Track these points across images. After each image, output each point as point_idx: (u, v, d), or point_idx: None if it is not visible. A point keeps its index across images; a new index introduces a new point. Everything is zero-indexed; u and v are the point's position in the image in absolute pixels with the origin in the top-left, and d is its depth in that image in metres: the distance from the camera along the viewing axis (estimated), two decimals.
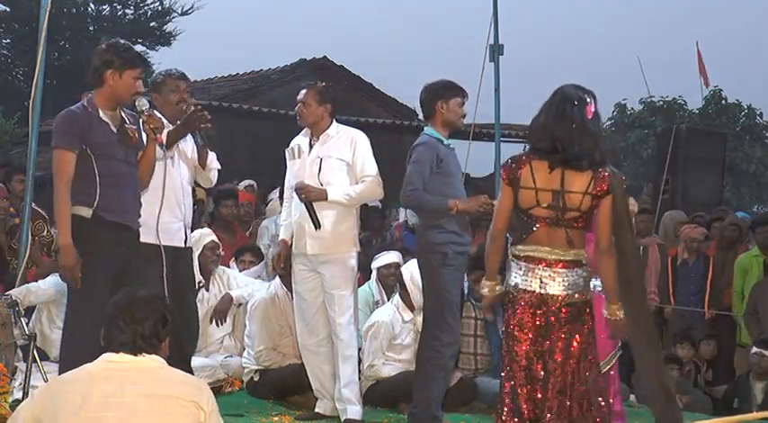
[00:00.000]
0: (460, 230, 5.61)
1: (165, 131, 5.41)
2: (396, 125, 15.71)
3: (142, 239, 5.12)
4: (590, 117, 4.16)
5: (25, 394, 5.27)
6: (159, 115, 5.21)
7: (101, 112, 4.91)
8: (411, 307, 6.51)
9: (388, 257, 7.22)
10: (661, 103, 24.12)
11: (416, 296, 6.36)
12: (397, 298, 6.65)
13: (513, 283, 4.24)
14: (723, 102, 24.22)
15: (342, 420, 5.77)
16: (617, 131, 23.48)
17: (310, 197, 5.66)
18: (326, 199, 5.68)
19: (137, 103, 5.00)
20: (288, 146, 6.00)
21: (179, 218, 5.54)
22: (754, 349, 7.42)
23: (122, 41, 5.09)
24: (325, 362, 5.90)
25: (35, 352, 5.57)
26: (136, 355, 3.28)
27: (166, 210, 5.35)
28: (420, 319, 6.01)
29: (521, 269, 4.22)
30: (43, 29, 6.19)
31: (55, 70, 17.43)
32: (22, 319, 5.62)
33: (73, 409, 3.15)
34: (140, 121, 5.04)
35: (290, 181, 5.92)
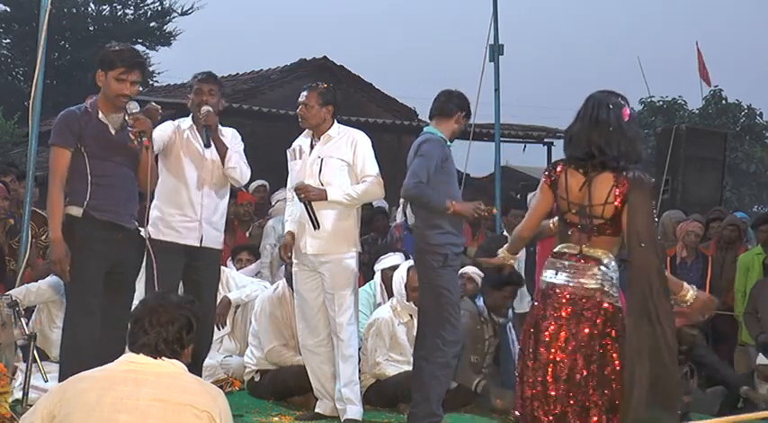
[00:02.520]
0: (457, 230, 5.64)
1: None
2: (396, 125, 15.68)
3: (153, 237, 5.18)
4: (627, 120, 4.10)
5: (25, 394, 5.28)
6: (145, 117, 5.18)
7: (101, 113, 4.97)
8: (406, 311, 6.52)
9: (394, 259, 7.18)
10: (661, 103, 24.20)
11: (402, 303, 6.40)
12: (394, 299, 6.65)
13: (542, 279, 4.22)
14: (723, 102, 24.29)
15: (342, 420, 5.78)
16: None
17: (310, 197, 5.67)
18: (326, 199, 5.69)
19: (126, 107, 4.98)
20: (288, 146, 6.01)
21: (192, 218, 5.55)
22: (761, 360, 7.33)
23: (118, 43, 5.11)
24: (325, 362, 5.91)
25: (35, 352, 5.57)
26: (156, 358, 3.27)
27: (173, 207, 5.47)
28: (413, 323, 6.01)
29: (548, 264, 4.17)
30: (43, 29, 6.20)
31: (55, 70, 17.46)
32: (22, 319, 5.62)
33: (86, 408, 3.16)
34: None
35: (292, 181, 5.93)
